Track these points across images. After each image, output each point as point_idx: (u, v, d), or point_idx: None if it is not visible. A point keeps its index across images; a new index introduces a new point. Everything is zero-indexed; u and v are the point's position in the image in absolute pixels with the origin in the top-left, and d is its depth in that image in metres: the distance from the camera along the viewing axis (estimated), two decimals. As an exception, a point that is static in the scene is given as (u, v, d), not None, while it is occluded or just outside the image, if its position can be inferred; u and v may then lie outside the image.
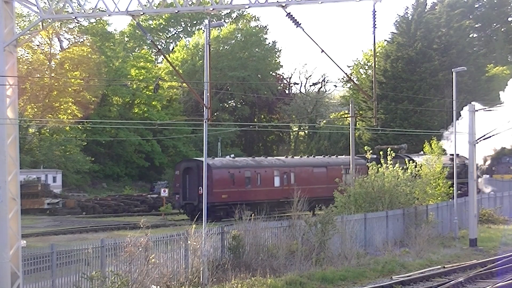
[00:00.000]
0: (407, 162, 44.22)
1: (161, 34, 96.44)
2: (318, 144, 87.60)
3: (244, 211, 47.58)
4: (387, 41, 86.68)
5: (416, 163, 42.46)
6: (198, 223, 24.63)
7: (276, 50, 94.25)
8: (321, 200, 50.81)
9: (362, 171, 54.10)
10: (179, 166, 51.85)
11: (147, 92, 76.98)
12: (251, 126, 77.87)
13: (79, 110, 66.36)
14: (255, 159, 54.17)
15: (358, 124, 78.05)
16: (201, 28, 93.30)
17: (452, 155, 48.61)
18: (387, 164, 39.50)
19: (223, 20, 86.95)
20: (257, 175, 51.87)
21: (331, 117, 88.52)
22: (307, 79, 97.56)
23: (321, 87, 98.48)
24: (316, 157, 59.75)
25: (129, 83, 73.67)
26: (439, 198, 45.05)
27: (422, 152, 56.50)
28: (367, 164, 40.37)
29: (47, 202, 56.47)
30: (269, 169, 52.60)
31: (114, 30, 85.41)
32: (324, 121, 71.28)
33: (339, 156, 60.43)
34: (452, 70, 43.05)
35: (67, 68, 68.31)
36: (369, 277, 27.21)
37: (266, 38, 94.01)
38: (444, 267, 29.90)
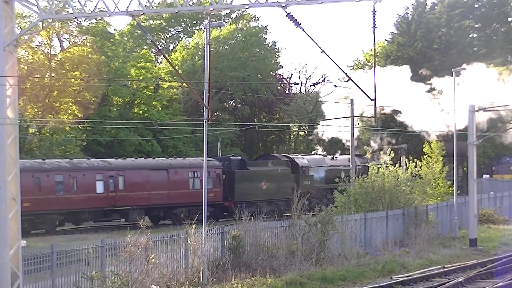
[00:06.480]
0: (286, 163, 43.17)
1: (161, 34, 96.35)
2: (318, 144, 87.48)
3: (57, 221, 43.85)
4: (387, 41, 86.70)
5: (298, 164, 42.18)
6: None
7: (276, 50, 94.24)
8: (161, 208, 47.88)
9: (215, 176, 49.61)
10: None
11: (147, 92, 76.86)
12: (251, 126, 77.80)
13: (79, 110, 66.30)
14: (71, 161, 46.93)
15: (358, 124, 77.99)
16: (201, 28, 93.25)
17: (359, 155, 48.55)
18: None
19: (223, 20, 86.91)
20: (73, 180, 44.79)
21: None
22: (307, 79, 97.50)
23: (321, 87, 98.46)
24: (155, 158, 53.52)
25: (129, 83, 73.59)
26: (438, 198, 45.08)
27: (314, 153, 56.72)
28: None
29: (47, 202, 56.28)
30: (89, 172, 45.67)
31: (114, 29, 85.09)
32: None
33: (186, 158, 54.90)
34: (452, 70, 43.08)
35: (67, 68, 68.24)
36: (369, 277, 27.25)
37: (266, 38, 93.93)
38: (444, 267, 29.93)
